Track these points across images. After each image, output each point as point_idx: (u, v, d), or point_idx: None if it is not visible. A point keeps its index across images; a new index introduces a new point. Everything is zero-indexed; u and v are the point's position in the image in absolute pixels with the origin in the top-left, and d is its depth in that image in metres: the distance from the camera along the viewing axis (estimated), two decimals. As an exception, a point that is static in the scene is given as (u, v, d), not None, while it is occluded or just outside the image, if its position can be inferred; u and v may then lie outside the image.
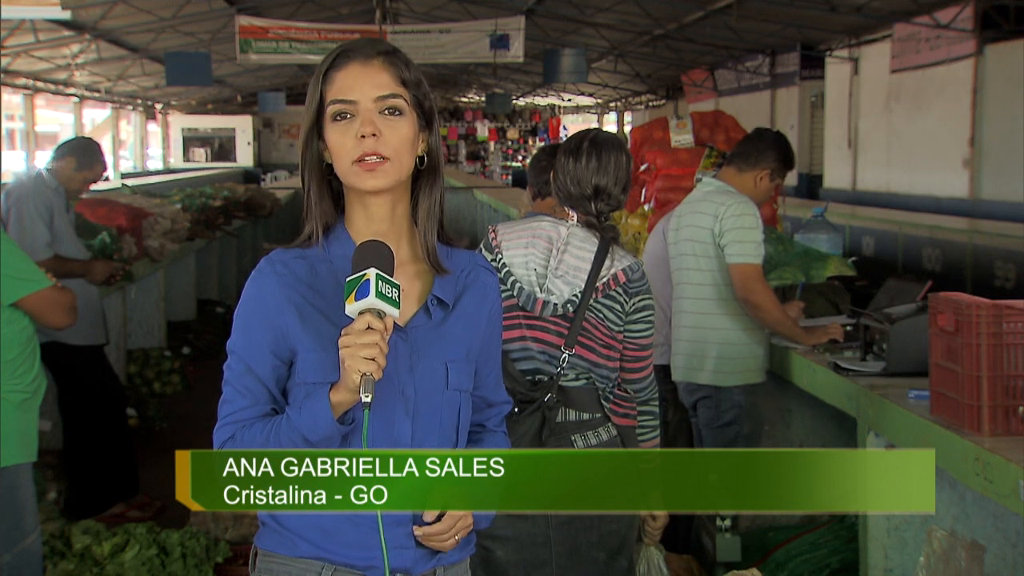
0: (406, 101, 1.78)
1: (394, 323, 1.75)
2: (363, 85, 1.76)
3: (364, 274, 1.66)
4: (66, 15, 7.14)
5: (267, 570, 1.84)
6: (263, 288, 1.80)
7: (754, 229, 3.97)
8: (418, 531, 1.78)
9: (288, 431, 1.73)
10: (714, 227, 3.99)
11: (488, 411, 1.98)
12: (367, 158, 1.75)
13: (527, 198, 3.79)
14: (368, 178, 1.76)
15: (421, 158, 1.83)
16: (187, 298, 9.60)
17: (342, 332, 1.66)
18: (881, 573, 3.35)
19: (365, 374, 1.64)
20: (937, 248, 8.35)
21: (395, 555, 1.78)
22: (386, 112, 1.76)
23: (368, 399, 1.65)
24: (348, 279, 1.68)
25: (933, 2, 14.30)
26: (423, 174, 1.85)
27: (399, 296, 1.68)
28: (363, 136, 1.74)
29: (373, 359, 1.64)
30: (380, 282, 1.66)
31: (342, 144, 1.76)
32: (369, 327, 1.65)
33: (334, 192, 1.84)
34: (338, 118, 1.76)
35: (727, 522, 3.77)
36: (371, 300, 1.65)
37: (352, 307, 1.66)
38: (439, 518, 1.78)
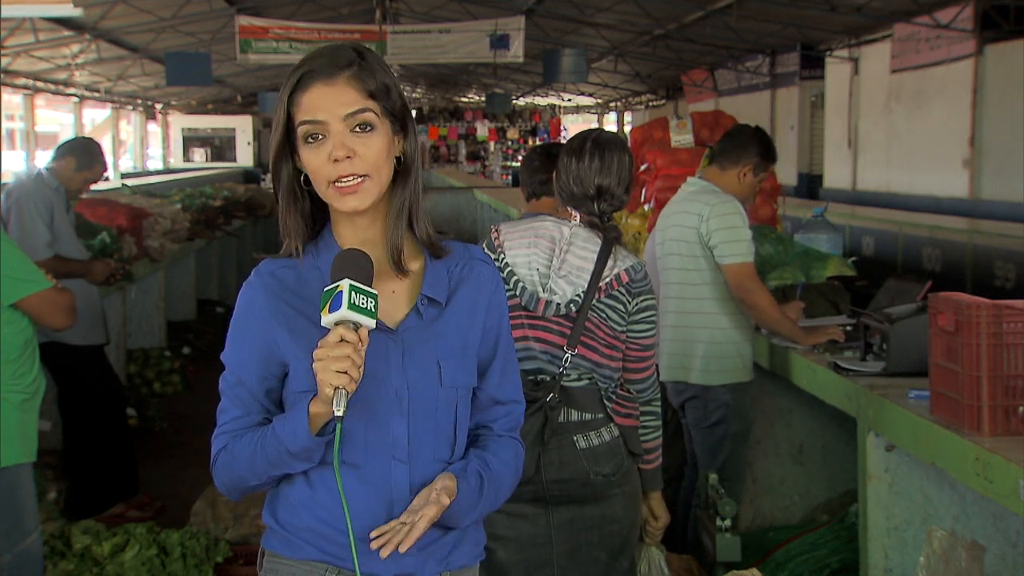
0: (376, 113, 1.75)
1: (385, 325, 1.75)
2: (330, 105, 1.72)
3: (338, 285, 1.65)
4: (78, 12, 7.15)
5: (273, 571, 1.84)
6: (251, 301, 1.80)
7: (742, 228, 3.98)
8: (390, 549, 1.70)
9: (273, 442, 1.73)
10: (699, 227, 3.99)
11: (495, 410, 1.89)
12: (343, 180, 1.73)
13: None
14: (348, 200, 1.74)
15: (399, 158, 1.81)
16: (187, 298, 9.61)
17: (318, 344, 1.65)
18: (881, 573, 3.35)
19: (338, 388, 1.63)
20: (937, 248, 8.35)
21: (396, 561, 1.77)
22: (357, 129, 1.73)
23: (340, 412, 1.63)
24: (325, 290, 1.67)
25: (933, 2, 14.29)
26: (397, 176, 1.82)
27: (375, 306, 1.66)
28: (336, 160, 1.72)
29: (345, 372, 1.62)
30: (353, 293, 1.64)
31: (318, 167, 1.74)
32: (343, 340, 1.63)
33: (317, 202, 1.81)
34: (310, 140, 1.74)
35: (727, 522, 3.77)
36: (343, 312, 1.63)
37: (327, 319, 1.65)
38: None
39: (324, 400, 1.65)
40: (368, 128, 1.74)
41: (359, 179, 1.73)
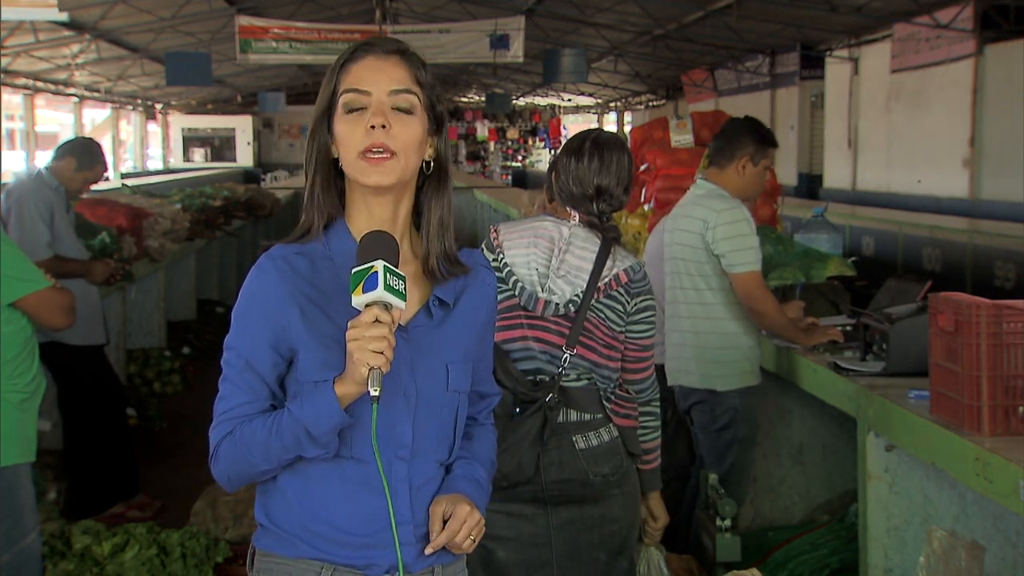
0: (419, 100, 1.79)
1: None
2: (378, 77, 1.77)
3: (372, 266, 1.65)
4: (63, 17, 7.13)
5: (266, 570, 1.82)
6: (265, 284, 1.78)
7: (749, 235, 3.94)
8: (431, 548, 1.79)
9: (291, 425, 1.72)
10: (705, 234, 3.95)
11: (480, 403, 1.99)
12: (374, 151, 1.74)
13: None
14: (373, 172, 1.75)
15: (428, 163, 1.83)
16: (187, 298, 9.61)
17: (349, 324, 1.65)
18: (881, 573, 3.35)
19: (374, 368, 1.63)
20: (937, 248, 8.35)
21: (392, 554, 1.77)
22: (398, 108, 1.77)
23: (376, 392, 1.64)
24: (355, 270, 1.66)
25: (933, 2, 14.30)
26: (430, 180, 1.85)
27: (405, 288, 1.68)
28: (372, 127, 1.74)
29: (382, 352, 1.63)
30: (388, 274, 1.64)
31: (351, 135, 1.75)
32: (377, 320, 1.64)
33: (338, 187, 1.83)
34: (350, 110, 1.76)
35: (727, 522, 3.77)
36: (379, 293, 1.64)
37: (359, 299, 1.65)
38: (444, 524, 1.80)
39: (357, 380, 1.65)
40: (409, 111, 1.77)
41: (389, 155, 1.75)
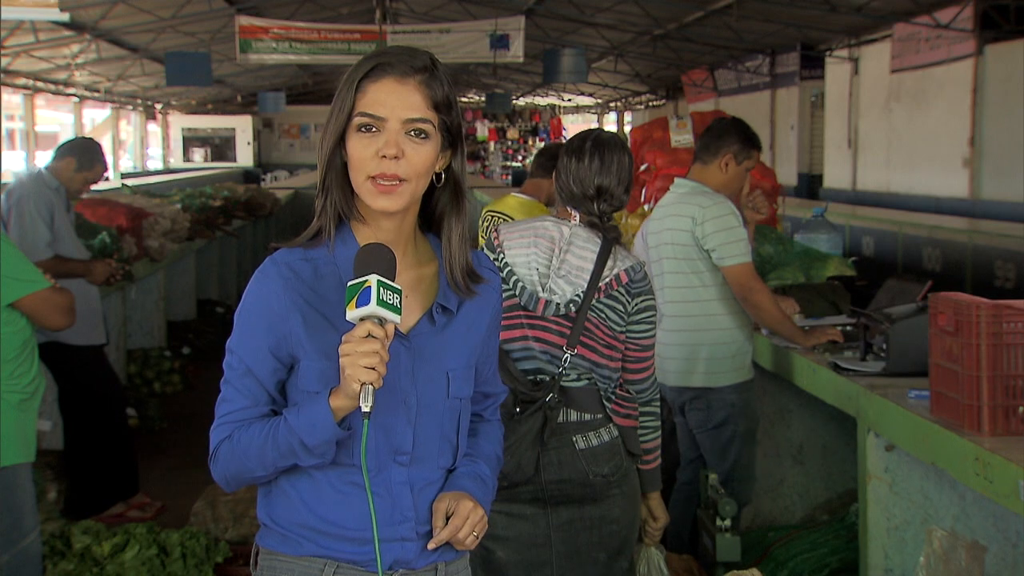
0: (434, 125, 1.76)
1: (397, 330, 1.74)
2: (395, 104, 1.74)
3: (365, 280, 1.64)
4: (64, 17, 7.12)
5: (270, 568, 1.84)
6: (268, 290, 1.78)
7: (737, 228, 3.95)
8: (433, 544, 1.80)
9: (286, 434, 1.72)
10: (693, 230, 3.96)
11: (485, 401, 2.00)
12: (384, 179, 1.73)
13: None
14: (381, 199, 1.75)
15: (439, 175, 1.82)
16: (187, 298, 9.59)
17: (343, 339, 1.65)
18: (881, 573, 3.35)
19: (365, 384, 1.63)
20: (937, 248, 8.34)
21: (398, 548, 1.79)
22: (412, 134, 1.75)
23: (368, 409, 1.64)
24: (349, 284, 1.66)
25: (933, 2, 14.30)
26: (445, 193, 1.84)
27: (401, 301, 1.67)
28: (384, 156, 1.73)
29: (373, 368, 1.63)
30: (381, 288, 1.64)
31: (362, 157, 1.74)
32: (370, 335, 1.63)
33: (350, 191, 1.82)
34: (363, 130, 1.75)
35: (727, 522, 3.77)
36: (372, 308, 1.63)
37: (353, 314, 1.64)
38: (447, 521, 1.80)
39: (350, 395, 1.65)
40: (423, 136, 1.75)
41: (399, 182, 1.74)
